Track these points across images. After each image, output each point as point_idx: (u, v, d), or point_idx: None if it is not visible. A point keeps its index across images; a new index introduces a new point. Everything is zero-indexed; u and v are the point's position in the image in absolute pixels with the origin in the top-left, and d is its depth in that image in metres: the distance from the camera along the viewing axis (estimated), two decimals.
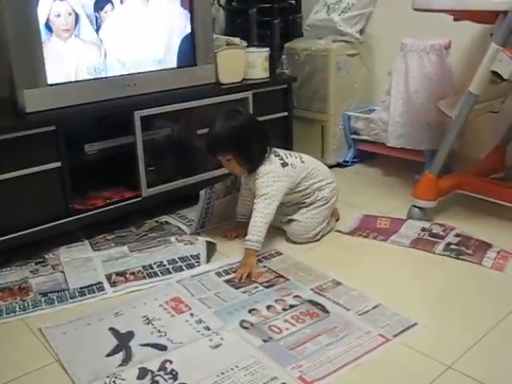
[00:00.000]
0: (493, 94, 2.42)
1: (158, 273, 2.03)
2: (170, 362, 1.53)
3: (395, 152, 2.93)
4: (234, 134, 2.07)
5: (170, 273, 2.03)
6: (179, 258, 2.13)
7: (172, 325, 1.71)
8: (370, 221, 2.38)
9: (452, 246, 2.12)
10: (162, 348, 1.59)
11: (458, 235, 2.20)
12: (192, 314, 1.76)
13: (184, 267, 2.07)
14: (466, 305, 1.78)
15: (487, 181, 2.53)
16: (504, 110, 2.58)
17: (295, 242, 2.23)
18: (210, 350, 1.58)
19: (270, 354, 1.55)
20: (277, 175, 2.10)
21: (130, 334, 1.67)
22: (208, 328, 1.68)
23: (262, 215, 2.05)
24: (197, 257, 2.14)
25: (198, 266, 2.08)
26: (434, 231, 2.24)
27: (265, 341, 1.61)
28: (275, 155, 2.16)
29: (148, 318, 1.74)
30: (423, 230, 2.26)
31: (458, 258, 2.05)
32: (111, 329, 1.70)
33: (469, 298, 1.82)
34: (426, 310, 1.76)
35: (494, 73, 2.08)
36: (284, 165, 2.15)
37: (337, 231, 2.32)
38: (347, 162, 3.17)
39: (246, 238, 2.05)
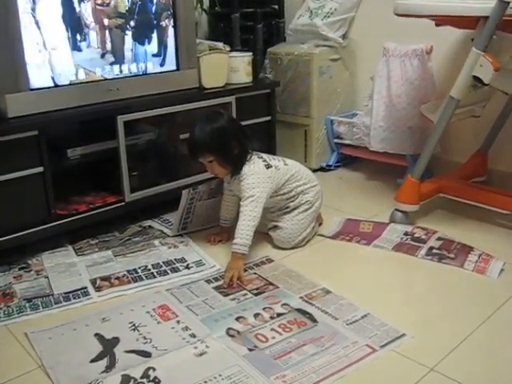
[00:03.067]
0: (474, 98, 2.44)
1: (143, 277, 2.03)
2: (154, 369, 1.52)
3: (378, 156, 2.94)
4: (214, 135, 2.06)
5: (154, 277, 2.03)
6: (163, 262, 2.13)
7: (158, 332, 1.69)
8: (352, 225, 2.39)
9: (434, 251, 2.13)
10: (147, 355, 1.58)
11: (440, 239, 2.21)
12: (178, 321, 1.74)
13: (168, 271, 2.07)
14: (449, 308, 1.80)
15: (469, 184, 2.55)
16: (485, 115, 2.60)
17: (282, 248, 2.22)
18: (194, 357, 1.56)
19: (255, 363, 1.53)
20: (261, 176, 2.10)
21: (115, 340, 1.65)
22: (194, 335, 1.66)
23: (249, 218, 2.04)
24: (181, 260, 2.14)
25: (183, 269, 2.08)
26: (417, 235, 2.25)
27: (250, 349, 1.59)
28: (258, 157, 2.17)
29: (134, 325, 1.73)
30: (406, 234, 2.27)
31: (441, 262, 2.06)
32: (97, 334, 1.69)
33: (451, 301, 1.84)
34: (410, 316, 1.77)
35: (475, 78, 2.10)
36: (268, 166, 2.15)
37: (320, 235, 2.32)
38: (330, 166, 3.18)
39: (234, 241, 2.04)
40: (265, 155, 2.21)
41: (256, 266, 2.09)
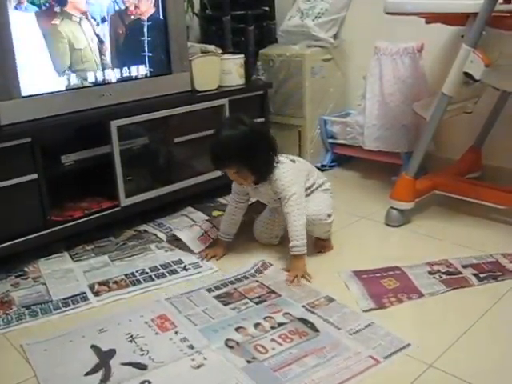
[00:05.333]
0: (466, 94, 2.45)
1: (141, 280, 2.03)
2: (149, 382, 1.49)
3: (372, 155, 2.95)
4: (237, 145, 1.96)
5: (152, 280, 2.03)
6: (161, 265, 2.13)
7: (155, 343, 1.65)
8: (374, 284, 1.96)
9: (482, 275, 1.96)
10: (142, 367, 1.54)
11: (465, 266, 2.03)
12: (177, 332, 1.70)
13: (166, 273, 2.07)
14: (446, 304, 1.81)
15: (463, 180, 2.56)
16: (477, 111, 2.61)
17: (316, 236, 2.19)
18: (191, 370, 1.53)
19: (253, 375, 1.49)
20: (295, 171, 2.06)
21: (111, 352, 1.62)
22: (192, 347, 1.62)
23: (299, 217, 2.00)
24: (178, 262, 2.15)
25: (181, 271, 2.08)
26: (443, 270, 2.01)
27: (248, 361, 1.55)
28: (280, 156, 2.11)
29: (132, 336, 1.69)
30: (431, 273, 1.99)
31: (498, 281, 1.93)
32: (93, 346, 1.65)
33: (448, 297, 1.84)
34: (406, 318, 1.77)
35: (466, 74, 2.11)
36: (293, 161, 2.12)
37: (366, 311, 1.81)
38: (325, 166, 3.18)
39: (292, 244, 1.99)
40: (282, 154, 2.15)
41: (257, 272, 2.06)
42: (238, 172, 2.02)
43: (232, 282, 2.00)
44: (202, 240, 2.26)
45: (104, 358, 1.60)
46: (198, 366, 1.54)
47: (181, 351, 1.61)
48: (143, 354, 1.61)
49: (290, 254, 2.03)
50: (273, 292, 1.92)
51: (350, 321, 1.73)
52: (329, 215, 2.13)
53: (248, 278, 2.03)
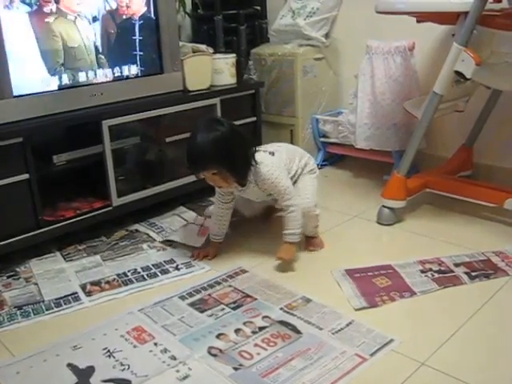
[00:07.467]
0: (457, 93, 2.46)
1: (133, 280, 2.03)
2: None
3: (364, 154, 2.95)
4: (216, 146, 1.91)
5: (145, 279, 2.03)
6: (153, 265, 2.13)
7: (135, 356, 1.59)
8: (366, 283, 1.95)
9: (474, 273, 1.96)
10: (126, 383, 1.48)
11: (457, 264, 2.02)
12: (156, 344, 1.64)
13: (158, 273, 2.07)
14: (437, 302, 1.81)
15: (455, 179, 2.56)
16: (469, 109, 2.62)
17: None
18: (177, 382, 1.47)
19: (242, 382, 1.45)
20: (277, 164, 2.07)
21: (90, 370, 1.54)
22: (174, 357, 1.57)
23: (297, 208, 2.05)
24: (170, 262, 2.15)
25: (173, 270, 2.08)
26: (435, 269, 2.00)
27: (235, 368, 1.51)
28: (258, 152, 2.07)
29: (109, 351, 1.62)
30: (423, 271, 1.99)
31: (490, 279, 1.93)
32: (69, 365, 1.57)
33: (439, 295, 1.85)
34: (397, 317, 1.76)
35: (458, 72, 2.11)
36: (272, 153, 2.10)
37: (358, 309, 1.80)
38: (317, 165, 3.17)
39: (290, 231, 2.05)
40: (260, 147, 2.14)
41: (230, 277, 2.02)
42: (217, 173, 1.97)
43: (205, 288, 1.95)
44: (202, 232, 2.27)
45: (83, 376, 1.52)
46: (184, 378, 1.49)
47: (163, 363, 1.56)
48: (124, 369, 1.54)
49: (283, 240, 2.07)
50: (248, 296, 1.89)
51: (330, 320, 1.71)
52: (315, 205, 2.17)
53: (220, 283, 1.98)
